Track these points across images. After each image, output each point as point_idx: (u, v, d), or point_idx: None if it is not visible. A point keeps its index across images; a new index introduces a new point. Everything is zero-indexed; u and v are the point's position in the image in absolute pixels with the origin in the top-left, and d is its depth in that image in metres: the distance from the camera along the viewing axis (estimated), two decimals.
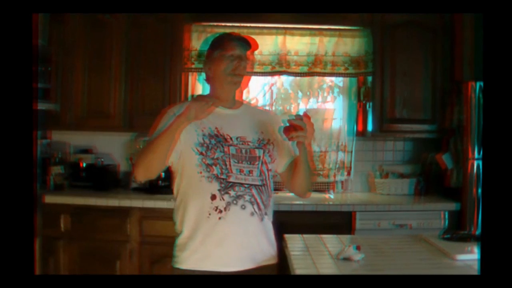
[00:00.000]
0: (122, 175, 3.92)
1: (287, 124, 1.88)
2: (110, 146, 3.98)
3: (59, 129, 3.84)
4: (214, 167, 1.91)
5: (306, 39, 3.82)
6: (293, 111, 4.02)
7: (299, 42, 3.82)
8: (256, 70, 3.73)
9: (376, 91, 3.77)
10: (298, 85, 4.02)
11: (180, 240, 1.98)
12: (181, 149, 1.93)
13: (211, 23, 3.76)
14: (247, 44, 2.04)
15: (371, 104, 3.82)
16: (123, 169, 3.95)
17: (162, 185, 3.64)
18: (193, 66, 3.76)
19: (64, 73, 3.71)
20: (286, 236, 2.19)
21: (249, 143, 1.99)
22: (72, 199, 3.44)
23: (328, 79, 4.01)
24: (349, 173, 4.03)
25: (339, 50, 3.81)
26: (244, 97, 3.82)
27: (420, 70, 3.76)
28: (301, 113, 1.88)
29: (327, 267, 1.79)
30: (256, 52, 2.19)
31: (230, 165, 1.92)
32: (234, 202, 1.90)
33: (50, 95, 3.65)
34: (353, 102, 4.02)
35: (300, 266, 1.77)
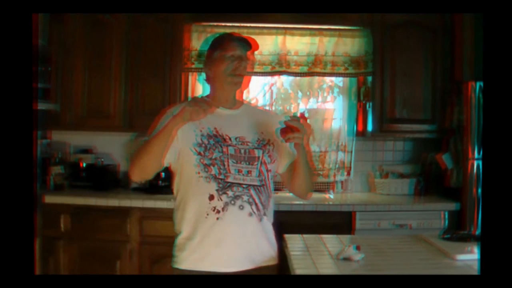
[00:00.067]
0: (122, 175, 3.91)
1: (284, 126, 1.87)
2: (110, 146, 3.98)
3: (59, 129, 3.84)
4: (212, 167, 1.91)
5: (306, 39, 3.82)
6: (293, 111, 4.02)
7: (299, 42, 3.82)
8: (256, 70, 3.73)
9: (376, 91, 3.77)
10: (298, 85, 4.02)
11: (179, 240, 1.98)
12: (179, 149, 1.93)
13: (211, 23, 3.77)
14: (247, 45, 2.03)
15: (371, 104, 3.82)
16: (123, 169, 3.95)
17: (162, 185, 3.64)
18: (193, 66, 3.76)
19: (64, 73, 3.71)
20: (286, 236, 2.19)
21: (249, 143, 1.98)
22: (72, 199, 3.44)
23: (328, 79, 4.01)
24: (349, 173, 4.03)
25: (339, 50, 3.81)
26: (244, 97, 3.82)
27: (420, 70, 3.76)
28: (297, 114, 1.88)
29: (327, 267, 1.79)
30: (256, 52, 2.18)
31: (228, 165, 1.92)
32: (232, 202, 1.90)
33: (50, 95, 3.65)
34: (353, 102, 4.02)
35: (300, 266, 1.77)
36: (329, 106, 4.05)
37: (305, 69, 3.81)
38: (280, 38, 3.81)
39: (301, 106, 4.03)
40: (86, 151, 3.93)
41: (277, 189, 3.05)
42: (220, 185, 1.90)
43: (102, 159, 3.86)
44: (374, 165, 4.06)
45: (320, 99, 4.04)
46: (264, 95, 4.04)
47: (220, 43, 2.03)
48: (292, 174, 2.06)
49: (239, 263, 1.93)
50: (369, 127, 3.84)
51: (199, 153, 1.92)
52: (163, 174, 3.58)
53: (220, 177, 1.90)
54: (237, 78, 2.01)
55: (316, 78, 3.96)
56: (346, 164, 4.02)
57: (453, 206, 3.45)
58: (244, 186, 1.92)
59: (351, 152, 4.03)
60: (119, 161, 3.95)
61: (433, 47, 3.75)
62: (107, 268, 3.34)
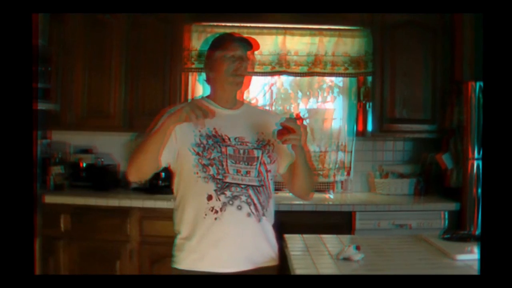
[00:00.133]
0: (122, 175, 3.91)
1: (280, 127, 1.86)
2: (110, 146, 3.98)
3: (59, 129, 3.84)
4: (210, 167, 1.90)
5: (306, 39, 3.82)
6: (293, 111, 4.02)
7: (299, 42, 3.82)
8: (256, 70, 3.73)
9: (376, 91, 3.77)
10: (298, 85, 4.02)
11: (178, 240, 1.98)
12: (178, 149, 1.93)
13: (211, 23, 3.77)
14: (248, 45, 2.03)
15: (371, 104, 3.82)
16: (123, 169, 3.94)
17: (162, 185, 3.64)
18: (193, 66, 3.76)
19: (64, 73, 3.71)
20: (286, 236, 2.18)
21: (248, 144, 1.98)
22: (72, 199, 3.44)
23: (328, 79, 4.01)
24: (349, 173, 4.03)
25: (339, 50, 3.81)
26: (244, 97, 3.82)
27: (420, 70, 3.76)
28: (293, 115, 1.88)
29: (327, 267, 1.79)
30: (256, 52, 2.17)
31: (226, 165, 1.92)
32: (230, 202, 1.89)
33: (50, 95, 3.65)
34: (353, 102, 4.02)
35: (300, 266, 1.76)
36: (329, 106, 4.06)
37: (305, 69, 3.81)
38: (280, 38, 3.81)
39: (301, 106, 4.04)
40: (86, 151, 3.93)
41: (277, 189, 3.05)
42: (219, 185, 1.90)
43: (102, 159, 3.86)
44: (374, 165, 4.06)
45: (320, 99, 4.04)
46: (264, 95, 4.04)
47: (221, 43, 2.02)
48: (292, 175, 2.05)
49: (237, 264, 1.92)
50: (369, 127, 3.84)
51: (198, 153, 1.91)
52: (163, 174, 3.58)
53: (219, 177, 1.90)
54: (238, 78, 2.01)
55: (316, 78, 3.96)
56: (346, 164, 4.02)
57: (453, 206, 3.45)
58: (242, 186, 1.91)
59: (351, 152, 4.03)
60: (119, 161, 3.95)
61: (433, 47, 3.75)
62: (107, 268, 3.34)
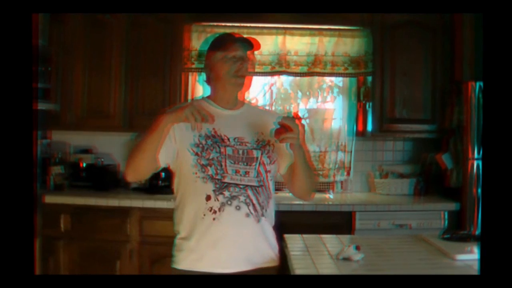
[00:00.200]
0: (122, 175, 3.91)
1: (278, 126, 1.86)
2: (110, 146, 3.98)
3: (59, 129, 3.84)
4: (209, 167, 1.90)
5: (306, 39, 3.82)
6: (293, 111, 4.02)
7: (299, 42, 3.82)
8: (256, 70, 3.73)
9: (376, 91, 3.77)
10: (298, 85, 4.02)
11: (178, 240, 1.98)
12: (177, 149, 1.93)
13: (211, 23, 3.77)
14: (249, 45, 2.02)
15: (371, 104, 3.82)
16: (123, 169, 3.93)
17: (162, 185, 3.64)
18: (193, 66, 3.76)
19: (64, 73, 3.71)
20: (286, 236, 2.18)
21: (247, 144, 1.98)
22: (72, 199, 3.44)
23: (328, 79, 4.01)
24: (348, 173, 4.03)
25: (339, 50, 3.81)
26: (244, 97, 3.82)
27: (420, 70, 3.76)
28: (291, 114, 1.88)
29: (327, 267, 1.79)
30: (256, 52, 2.17)
31: (225, 165, 1.91)
32: (229, 203, 1.89)
33: (50, 95, 3.65)
34: (353, 102, 4.02)
35: (300, 266, 1.76)
36: (329, 106, 4.06)
37: (305, 69, 3.81)
38: (280, 38, 3.81)
39: (301, 106, 4.04)
40: (86, 151, 3.93)
41: (277, 189, 3.05)
42: (217, 186, 1.89)
43: (102, 159, 3.86)
44: (374, 165, 4.06)
45: (320, 99, 4.04)
46: (264, 95, 4.04)
47: (222, 44, 2.01)
48: (292, 175, 2.04)
49: (237, 264, 1.92)
50: (369, 127, 3.84)
51: (196, 154, 1.91)
52: (163, 174, 3.58)
53: (217, 177, 1.89)
54: (240, 79, 2.00)
55: (316, 78, 3.96)
56: (346, 164, 4.02)
57: (453, 206, 3.45)
58: (241, 186, 1.91)
59: (351, 152, 4.03)
60: (119, 161, 3.95)
61: (433, 47, 3.75)
62: (107, 268, 3.34)
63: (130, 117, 3.72)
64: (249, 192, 1.92)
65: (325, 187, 4.02)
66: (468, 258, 1.81)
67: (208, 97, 2.09)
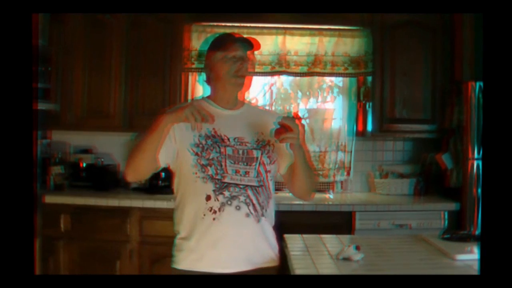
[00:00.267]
0: (122, 175, 3.91)
1: (278, 126, 1.86)
2: (110, 146, 3.98)
3: (59, 129, 3.84)
4: (209, 167, 1.90)
5: (306, 39, 3.82)
6: (293, 111, 4.02)
7: (299, 42, 3.82)
8: (256, 70, 3.73)
9: (376, 91, 3.77)
10: (298, 85, 4.02)
11: (177, 240, 1.98)
12: (177, 149, 1.93)
13: (211, 23, 3.77)
14: (249, 45, 2.02)
15: (371, 104, 3.82)
16: (123, 169, 3.93)
17: (162, 185, 3.64)
18: (193, 66, 3.76)
19: (64, 73, 3.71)
20: (286, 236, 2.18)
21: (247, 144, 1.98)
22: (72, 199, 3.44)
23: (328, 79, 4.01)
24: (348, 173, 4.03)
25: (339, 50, 3.81)
26: (244, 97, 3.82)
27: (420, 70, 3.77)
28: (291, 114, 1.88)
29: (327, 267, 1.79)
30: (256, 52, 2.17)
31: (225, 165, 1.91)
32: (229, 202, 1.89)
33: (50, 95, 3.65)
34: (353, 102, 4.02)
35: (300, 266, 1.76)
36: (329, 106, 4.06)
37: (305, 69, 3.81)
38: (280, 38, 3.81)
39: (301, 106, 4.04)
40: (86, 151, 3.93)
41: (277, 189, 3.05)
42: (217, 186, 1.89)
43: (102, 159, 3.86)
44: (374, 165, 4.06)
45: (320, 99, 4.04)
46: (264, 95, 4.04)
47: (222, 44, 2.01)
48: (292, 175, 2.04)
49: (236, 264, 1.92)
50: (369, 127, 3.84)
51: (196, 154, 1.91)
52: (163, 174, 3.58)
53: (217, 177, 1.89)
54: (240, 79, 2.00)
55: (316, 78, 3.96)
56: (346, 164, 4.02)
57: (453, 206, 3.45)
58: (241, 186, 1.91)
59: (351, 152, 4.03)
60: (119, 161, 3.95)
61: (433, 47, 3.75)
62: (107, 268, 3.34)
63: (130, 117, 3.72)
64: (249, 192, 1.92)
65: (325, 187, 4.02)
66: (468, 258, 1.81)
67: (208, 97, 2.09)
